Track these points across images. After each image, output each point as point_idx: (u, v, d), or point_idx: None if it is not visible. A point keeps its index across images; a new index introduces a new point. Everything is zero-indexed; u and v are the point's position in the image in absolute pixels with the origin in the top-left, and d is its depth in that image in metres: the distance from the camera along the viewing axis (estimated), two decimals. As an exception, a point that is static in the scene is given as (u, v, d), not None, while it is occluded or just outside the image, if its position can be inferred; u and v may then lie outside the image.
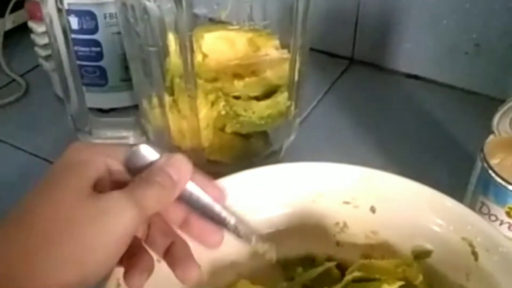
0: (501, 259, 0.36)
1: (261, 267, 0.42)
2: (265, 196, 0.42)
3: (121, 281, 0.33)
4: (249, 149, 0.48)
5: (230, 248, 0.41)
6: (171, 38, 0.41)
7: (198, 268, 0.33)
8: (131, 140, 0.51)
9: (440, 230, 0.40)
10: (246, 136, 0.47)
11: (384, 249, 0.42)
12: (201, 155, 0.46)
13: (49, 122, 0.66)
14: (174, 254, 0.33)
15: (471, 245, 0.38)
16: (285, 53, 0.45)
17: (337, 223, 0.43)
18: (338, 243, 0.43)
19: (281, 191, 0.42)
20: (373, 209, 0.42)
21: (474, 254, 0.38)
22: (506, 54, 0.66)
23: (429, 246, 0.40)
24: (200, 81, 0.43)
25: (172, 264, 0.33)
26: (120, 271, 0.33)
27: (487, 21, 0.65)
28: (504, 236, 0.39)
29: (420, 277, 0.39)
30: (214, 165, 0.48)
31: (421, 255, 0.41)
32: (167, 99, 0.45)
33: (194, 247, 0.38)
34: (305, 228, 0.43)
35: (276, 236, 0.42)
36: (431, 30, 0.69)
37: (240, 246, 0.40)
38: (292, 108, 0.48)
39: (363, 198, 0.42)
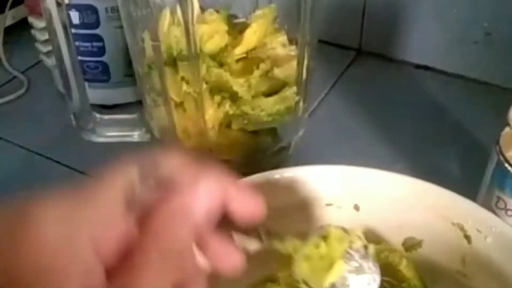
0: (495, 239, 0.36)
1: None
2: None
3: None
4: (257, 146, 0.47)
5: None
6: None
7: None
8: (135, 138, 0.50)
9: (429, 219, 0.39)
10: (253, 133, 0.46)
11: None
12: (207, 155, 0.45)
13: (51, 119, 0.64)
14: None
15: (462, 229, 0.38)
16: (292, 50, 0.44)
17: (322, 227, 0.42)
18: None
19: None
20: (357, 207, 0.41)
21: (467, 237, 0.38)
22: (518, 43, 0.64)
23: (419, 237, 0.40)
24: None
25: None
26: None
27: (498, 9, 0.63)
28: (496, 216, 0.39)
29: (404, 262, 0.38)
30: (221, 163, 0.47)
31: (412, 246, 0.40)
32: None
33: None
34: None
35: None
36: (440, 19, 0.67)
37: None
38: (301, 103, 0.47)
39: (345, 197, 0.41)
